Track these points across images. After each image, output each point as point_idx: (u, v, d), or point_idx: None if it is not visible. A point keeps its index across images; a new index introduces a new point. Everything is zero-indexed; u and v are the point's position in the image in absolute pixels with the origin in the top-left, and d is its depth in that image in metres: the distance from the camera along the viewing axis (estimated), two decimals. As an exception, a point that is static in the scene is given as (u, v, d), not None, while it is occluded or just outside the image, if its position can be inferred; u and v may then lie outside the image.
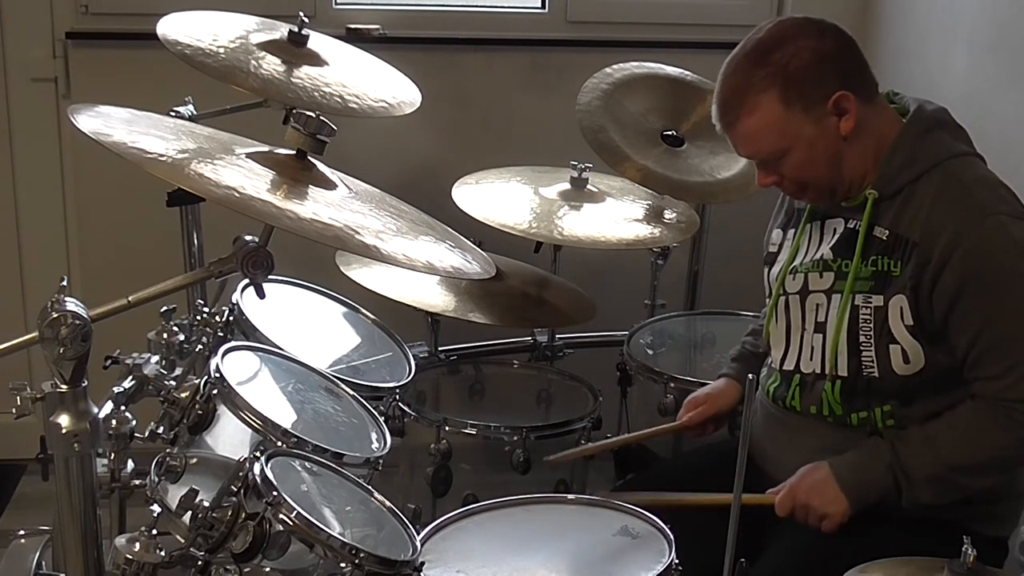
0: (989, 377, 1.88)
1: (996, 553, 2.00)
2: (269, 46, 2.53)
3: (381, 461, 1.82)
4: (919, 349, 1.91)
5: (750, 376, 1.49)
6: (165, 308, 1.98)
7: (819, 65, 1.91)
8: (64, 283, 1.59)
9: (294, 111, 1.86)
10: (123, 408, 1.77)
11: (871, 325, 1.93)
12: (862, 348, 1.94)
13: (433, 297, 2.60)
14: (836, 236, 2.02)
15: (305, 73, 2.50)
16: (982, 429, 1.90)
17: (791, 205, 2.17)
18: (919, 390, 1.93)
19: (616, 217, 2.68)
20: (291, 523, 1.50)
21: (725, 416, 2.29)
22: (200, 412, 1.72)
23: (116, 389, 1.78)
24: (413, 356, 2.34)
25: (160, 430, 1.76)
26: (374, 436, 1.91)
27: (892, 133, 1.95)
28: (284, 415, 1.79)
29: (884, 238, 1.93)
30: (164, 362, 1.91)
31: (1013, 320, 1.87)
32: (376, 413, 1.97)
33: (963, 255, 1.84)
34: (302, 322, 2.27)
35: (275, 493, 1.51)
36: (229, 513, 1.53)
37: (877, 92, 1.99)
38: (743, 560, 1.56)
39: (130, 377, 1.81)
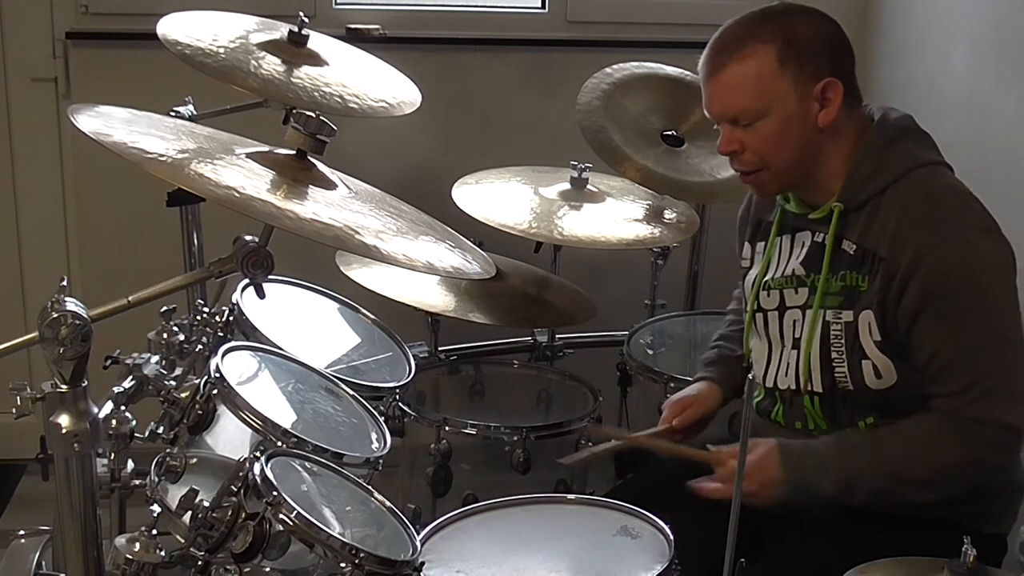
0: (948, 394, 1.86)
1: (995, 551, 2.00)
2: (269, 46, 2.53)
3: (381, 461, 1.82)
4: (890, 365, 1.89)
5: (750, 376, 1.49)
6: (165, 308, 1.98)
7: (821, 43, 1.90)
8: (64, 283, 1.59)
9: (294, 111, 1.86)
10: (123, 408, 1.77)
11: (842, 341, 1.91)
12: (835, 364, 1.93)
13: (433, 297, 2.61)
14: (805, 250, 1.99)
15: (305, 73, 2.50)
16: (935, 444, 1.88)
17: (756, 216, 2.14)
18: (897, 403, 1.92)
19: (616, 217, 2.68)
20: (291, 523, 1.50)
21: (708, 421, 2.24)
22: (200, 412, 1.72)
23: (116, 389, 1.78)
24: (413, 356, 2.34)
25: (160, 430, 1.76)
26: (374, 436, 1.91)
27: (861, 143, 1.93)
28: (284, 415, 1.79)
29: (852, 252, 1.91)
30: (164, 362, 1.91)
31: (974, 336, 1.85)
32: (376, 413, 1.97)
33: (927, 270, 1.83)
34: (302, 322, 2.27)
35: (275, 493, 1.51)
36: (229, 513, 1.53)
37: (860, 102, 1.97)
38: (743, 560, 1.56)
39: (130, 377, 1.81)
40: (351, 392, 2.00)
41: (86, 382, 1.58)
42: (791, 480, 1.90)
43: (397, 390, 2.19)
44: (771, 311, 2.04)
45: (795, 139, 1.91)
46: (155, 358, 1.88)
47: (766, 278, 2.05)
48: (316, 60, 2.56)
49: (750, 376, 1.50)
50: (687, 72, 2.99)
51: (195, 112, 2.56)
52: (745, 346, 2.14)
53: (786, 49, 1.87)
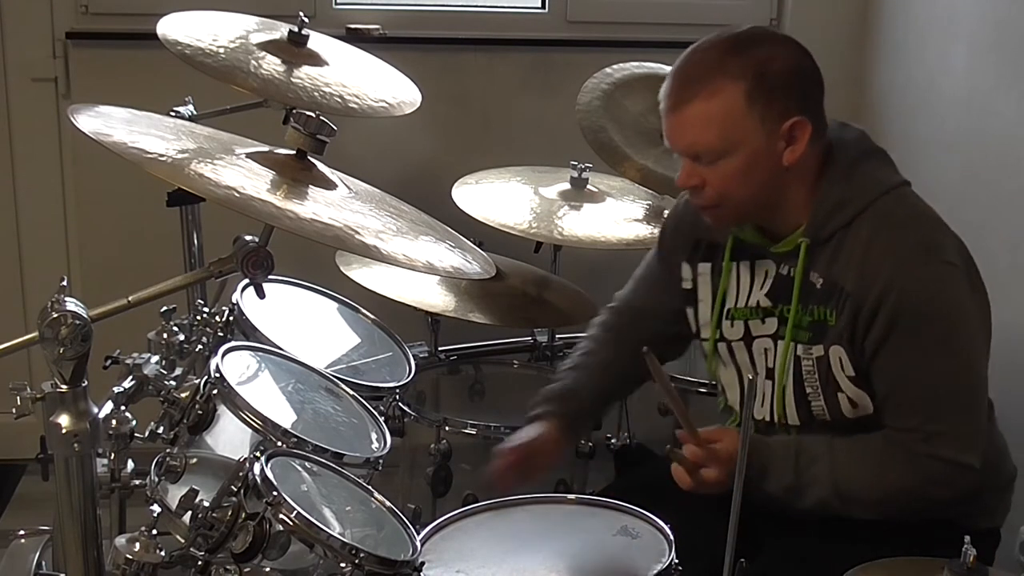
0: (902, 428, 1.85)
1: (990, 544, 2.00)
2: (269, 46, 2.53)
3: (381, 461, 1.82)
4: (865, 396, 1.87)
5: (750, 376, 1.49)
6: (165, 308, 1.98)
7: (792, 79, 1.81)
8: (64, 283, 1.59)
9: (294, 111, 1.86)
10: (123, 408, 1.77)
11: (815, 376, 1.88)
12: (810, 399, 1.90)
13: (433, 297, 2.61)
14: (769, 281, 1.94)
15: (305, 73, 2.50)
16: (888, 470, 1.86)
17: (695, 236, 2.04)
18: (878, 427, 1.90)
19: (616, 217, 2.68)
20: (291, 523, 1.50)
21: (542, 467, 2.03)
22: (200, 412, 1.72)
23: (116, 389, 1.78)
24: (413, 356, 2.34)
25: (160, 430, 1.76)
26: (374, 436, 1.91)
27: (823, 174, 1.87)
28: (284, 415, 1.79)
29: (819, 286, 1.86)
30: (164, 362, 1.91)
31: (934, 375, 1.83)
32: (376, 413, 1.97)
33: (895, 301, 1.79)
34: (302, 322, 2.27)
35: (275, 493, 1.51)
36: (229, 513, 1.53)
37: (825, 132, 1.88)
38: (743, 560, 1.56)
39: (130, 377, 1.81)
40: (351, 392, 2.00)
41: (86, 382, 1.58)
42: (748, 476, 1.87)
43: (397, 390, 2.19)
44: (736, 341, 1.99)
45: (758, 177, 1.83)
46: (155, 358, 1.88)
47: (727, 307, 1.99)
48: (316, 60, 2.56)
49: (749, 376, 1.50)
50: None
51: (195, 112, 2.56)
52: (711, 374, 2.07)
53: (755, 87, 1.78)
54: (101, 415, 1.66)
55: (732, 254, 1.98)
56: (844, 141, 1.90)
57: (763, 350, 1.96)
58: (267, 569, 1.55)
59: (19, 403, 1.58)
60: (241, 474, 1.54)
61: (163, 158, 1.67)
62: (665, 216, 2.13)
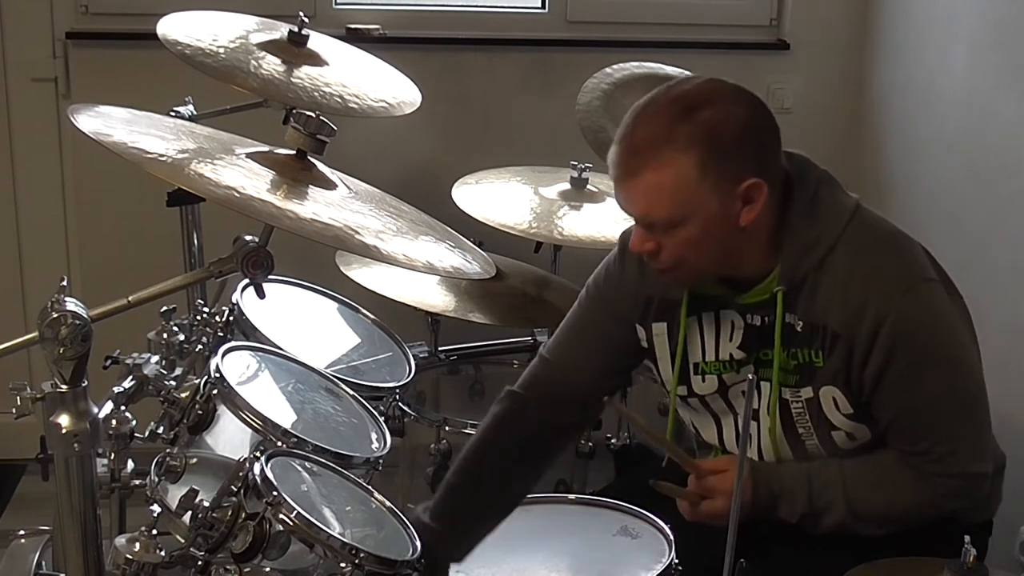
0: (912, 452, 1.84)
1: (983, 536, 1.99)
2: (269, 46, 2.53)
3: (381, 461, 1.82)
4: (864, 429, 1.86)
5: (750, 376, 1.48)
6: (165, 308, 1.98)
7: (745, 138, 1.73)
8: (64, 283, 1.59)
9: (294, 111, 1.86)
10: (123, 408, 1.78)
11: (807, 417, 1.85)
12: (803, 439, 1.88)
13: (433, 297, 2.61)
14: (739, 332, 1.88)
15: (305, 73, 2.50)
16: (902, 488, 1.85)
17: (646, 293, 1.95)
18: (877, 448, 1.89)
19: (616, 217, 2.67)
20: (291, 523, 1.50)
21: None
22: (200, 412, 1.72)
23: (116, 389, 1.79)
24: (413, 356, 2.34)
25: (160, 430, 1.76)
26: (374, 436, 1.91)
27: (781, 220, 1.80)
28: (284, 415, 1.79)
29: (800, 328, 1.81)
30: (164, 362, 1.91)
31: (936, 396, 1.82)
32: (376, 413, 1.97)
33: (888, 333, 1.76)
34: (302, 322, 2.27)
35: (275, 493, 1.51)
36: (229, 513, 1.53)
37: (782, 180, 1.80)
38: (743, 560, 1.56)
39: (130, 377, 1.81)
40: (351, 392, 2.00)
41: (86, 382, 1.58)
42: (758, 505, 1.86)
43: (397, 390, 2.19)
44: (709, 395, 1.94)
45: (715, 241, 1.77)
46: (155, 358, 1.88)
47: (694, 362, 1.93)
48: (316, 60, 2.56)
49: (749, 376, 1.49)
50: (687, 72, 2.99)
51: (195, 112, 2.56)
52: (670, 421, 2.00)
53: (706, 155, 1.70)
54: (101, 415, 1.66)
55: (690, 309, 1.90)
56: (794, 175, 1.83)
57: (740, 393, 1.92)
58: (267, 569, 1.55)
59: (19, 403, 1.58)
60: (241, 474, 1.54)
61: (163, 158, 1.67)
62: (603, 273, 2.05)
